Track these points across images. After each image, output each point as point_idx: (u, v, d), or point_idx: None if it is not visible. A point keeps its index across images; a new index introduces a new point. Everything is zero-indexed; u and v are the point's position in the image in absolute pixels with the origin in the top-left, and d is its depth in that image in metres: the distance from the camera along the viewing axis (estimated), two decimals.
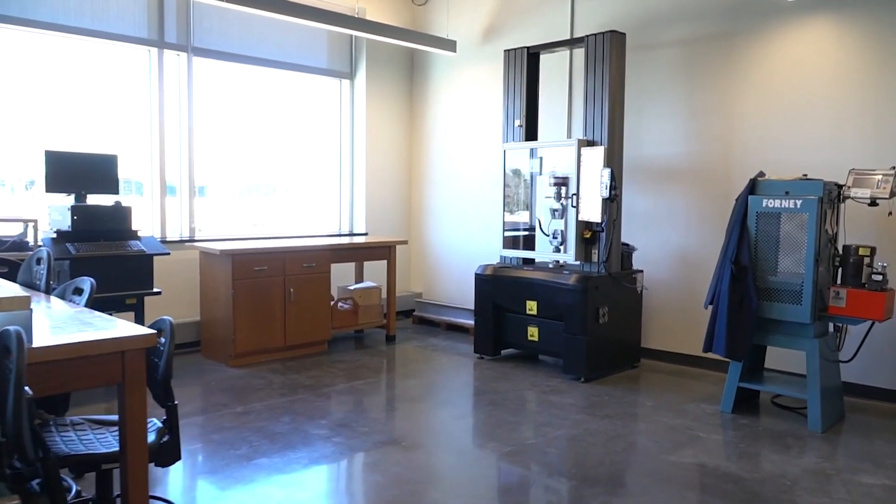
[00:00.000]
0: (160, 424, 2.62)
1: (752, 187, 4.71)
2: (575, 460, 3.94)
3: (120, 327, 2.38)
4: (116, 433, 2.50)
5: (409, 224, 8.23)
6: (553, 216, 5.84)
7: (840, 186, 4.59)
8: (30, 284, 3.37)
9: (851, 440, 4.32)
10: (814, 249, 4.41)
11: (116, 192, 5.26)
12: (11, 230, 5.15)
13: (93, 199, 5.16)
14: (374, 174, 7.79)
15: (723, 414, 4.78)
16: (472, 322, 6.46)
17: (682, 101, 6.00)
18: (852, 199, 4.52)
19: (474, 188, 7.52)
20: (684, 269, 6.01)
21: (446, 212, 7.86)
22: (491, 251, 6.50)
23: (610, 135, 5.57)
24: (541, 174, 5.97)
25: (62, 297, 3.05)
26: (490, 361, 6.13)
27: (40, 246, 4.74)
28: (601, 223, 5.53)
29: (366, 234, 7.69)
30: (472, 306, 6.38)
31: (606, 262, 5.58)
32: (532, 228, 6.07)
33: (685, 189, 6.00)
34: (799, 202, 4.47)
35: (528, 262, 6.18)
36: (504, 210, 6.27)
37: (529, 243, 6.11)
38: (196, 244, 6.05)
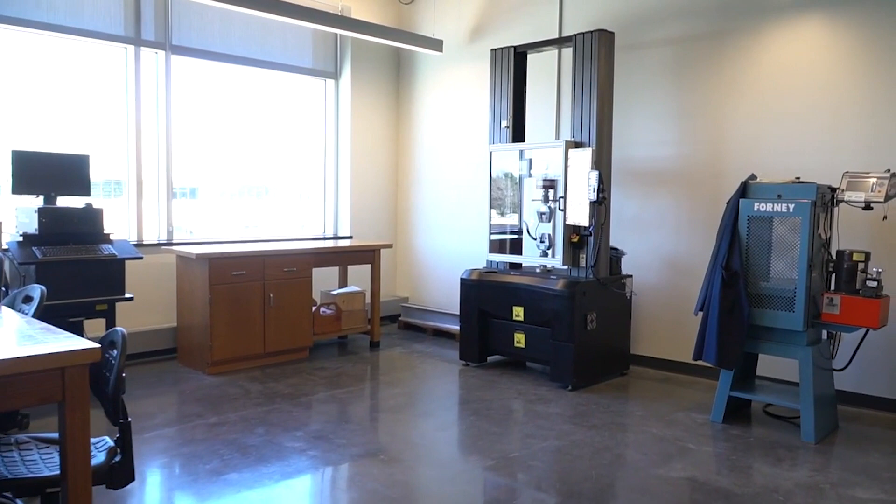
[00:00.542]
0: (112, 443, 2.45)
1: (744, 190, 4.57)
2: (560, 474, 3.79)
3: (63, 341, 2.21)
4: None
5: (395, 227, 8.07)
6: (541, 219, 5.69)
7: (834, 190, 4.45)
8: None
9: (845, 452, 4.18)
10: (807, 254, 4.27)
11: (88, 193, 5.07)
12: None
13: (64, 202, 4.98)
14: (359, 176, 7.63)
15: (713, 424, 4.64)
16: (459, 328, 6.30)
17: (671, 102, 5.86)
18: (846, 202, 4.38)
19: (462, 190, 7.37)
20: (674, 274, 5.87)
21: (433, 214, 7.70)
22: (479, 255, 6.35)
23: (598, 136, 5.42)
24: (529, 176, 5.82)
25: (12, 305, 2.88)
26: (476, 369, 5.97)
27: (5, 250, 4.56)
28: (589, 227, 5.38)
29: (350, 238, 7.53)
30: (459, 311, 6.22)
31: (594, 266, 5.43)
32: (519, 232, 5.92)
33: (675, 192, 5.86)
34: (791, 206, 4.33)
35: (515, 266, 6.03)
36: (491, 213, 6.11)
37: (517, 247, 5.96)
38: (173, 248, 5.87)
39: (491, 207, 6.12)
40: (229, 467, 3.75)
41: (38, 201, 4.88)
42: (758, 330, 4.51)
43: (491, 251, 6.15)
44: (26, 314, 2.74)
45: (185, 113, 6.37)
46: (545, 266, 5.75)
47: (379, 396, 5.29)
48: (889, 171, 4.30)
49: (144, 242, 6.03)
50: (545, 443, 4.23)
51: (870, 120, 4.90)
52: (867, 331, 4.40)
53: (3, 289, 3.07)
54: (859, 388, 4.95)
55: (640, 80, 6.02)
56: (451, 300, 7.15)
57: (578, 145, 5.49)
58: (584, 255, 5.51)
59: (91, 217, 4.91)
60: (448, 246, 7.53)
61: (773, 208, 4.40)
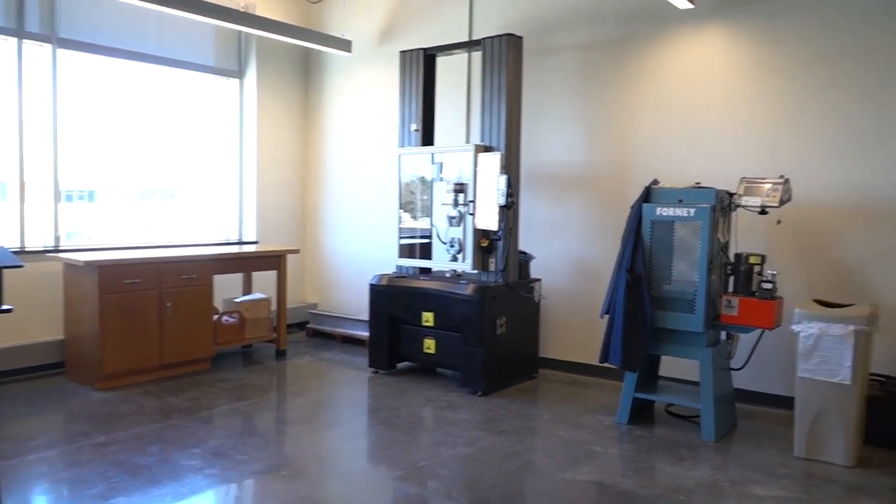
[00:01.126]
0: None
1: (647, 195, 4.65)
2: (468, 483, 3.72)
3: None
4: None
5: (303, 232, 7.86)
6: (451, 224, 5.64)
7: (732, 195, 4.59)
8: None
9: (743, 449, 4.30)
10: (706, 258, 4.38)
11: None
12: None
13: None
14: (266, 179, 7.38)
15: (619, 425, 4.69)
16: (368, 334, 6.16)
17: (579, 108, 5.93)
18: (743, 207, 4.52)
19: (372, 194, 7.23)
20: (582, 277, 5.93)
21: (343, 219, 7.54)
22: (390, 259, 6.24)
23: (507, 141, 5.42)
24: (440, 180, 5.75)
25: None
26: (385, 376, 5.85)
27: None
28: (498, 231, 5.37)
29: (256, 243, 7.27)
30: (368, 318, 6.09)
31: (504, 271, 5.42)
32: (430, 236, 5.85)
33: (583, 197, 5.93)
34: (692, 210, 4.43)
35: (426, 271, 5.96)
36: (401, 217, 6.01)
37: (427, 252, 5.89)
38: (59, 255, 5.49)
39: (401, 212, 6.02)
40: (117, 491, 3.49)
41: None
42: (660, 332, 4.60)
43: (401, 256, 6.05)
44: None
45: (77, 111, 5.97)
46: (455, 271, 5.70)
47: (284, 408, 5.10)
48: (783, 176, 4.47)
49: (28, 249, 5.61)
50: (454, 450, 4.17)
51: (766, 127, 5.09)
52: (763, 331, 4.56)
53: None
54: (756, 387, 5.13)
55: (549, 85, 6.06)
56: (361, 306, 7.00)
57: (488, 149, 5.47)
58: (494, 260, 5.49)
59: None
60: (358, 251, 7.39)
61: (674, 213, 4.50)
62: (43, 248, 5.70)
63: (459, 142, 6.43)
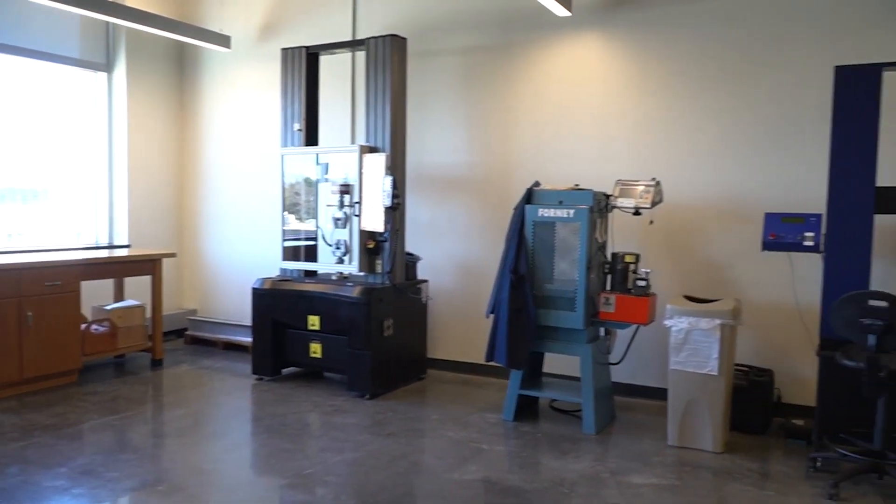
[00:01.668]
0: None
1: (529, 197, 4.76)
2: (356, 488, 3.67)
3: None
4: None
5: (180, 234, 7.51)
6: (336, 225, 5.55)
7: (608, 196, 4.78)
8: None
9: (622, 440, 4.49)
10: (585, 257, 4.54)
11: None
12: None
13: None
14: (138, 179, 6.99)
15: (505, 423, 4.78)
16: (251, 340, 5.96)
17: (463, 111, 6.00)
18: (618, 208, 4.72)
19: (255, 195, 7.01)
20: (468, 278, 6.00)
21: (225, 220, 7.26)
22: (275, 262, 6.06)
23: (392, 141, 5.40)
24: (326, 181, 5.65)
25: None
26: (269, 383, 5.69)
27: None
28: (384, 232, 5.34)
29: (128, 247, 6.87)
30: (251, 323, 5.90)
31: (390, 272, 5.39)
32: (315, 238, 5.73)
33: (468, 198, 6.01)
34: (571, 211, 4.58)
35: (311, 274, 5.83)
36: (285, 219, 5.86)
37: (312, 254, 5.77)
38: None
39: (285, 213, 5.87)
40: None
41: None
42: (544, 330, 4.72)
43: (285, 258, 5.90)
44: None
45: None
46: (341, 273, 5.62)
47: (161, 420, 4.85)
48: (655, 179, 4.70)
49: None
50: (342, 455, 4.10)
51: (639, 131, 5.34)
52: (638, 326, 4.77)
53: None
54: (633, 380, 5.37)
55: (434, 87, 6.10)
56: (243, 311, 6.75)
57: (373, 150, 5.43)
58: (381, 261, 5.46)
59: None
60: (241, 254, 7.14)
61: (555, 214, 4.63)
62: None
63: (345, 142, 6.35)
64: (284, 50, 5.95)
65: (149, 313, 6.25)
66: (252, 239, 7.05)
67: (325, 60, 6.09)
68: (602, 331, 4.91)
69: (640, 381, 5.35)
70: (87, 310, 5.87)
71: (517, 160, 5.78)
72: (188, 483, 3.69)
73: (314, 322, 5.45)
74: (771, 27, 4.90)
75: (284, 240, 5.89)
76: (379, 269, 5.46)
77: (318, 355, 5.51)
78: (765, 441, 4.52)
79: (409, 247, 5.81)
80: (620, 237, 5.04)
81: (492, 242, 5.76)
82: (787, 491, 3.71)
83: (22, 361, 5.12)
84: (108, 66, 6.86)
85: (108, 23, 6.75)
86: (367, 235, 5.44)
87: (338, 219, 5.51)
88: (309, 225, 5.77)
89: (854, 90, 4.02)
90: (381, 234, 5.37)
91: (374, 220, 5.34)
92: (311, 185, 5.74)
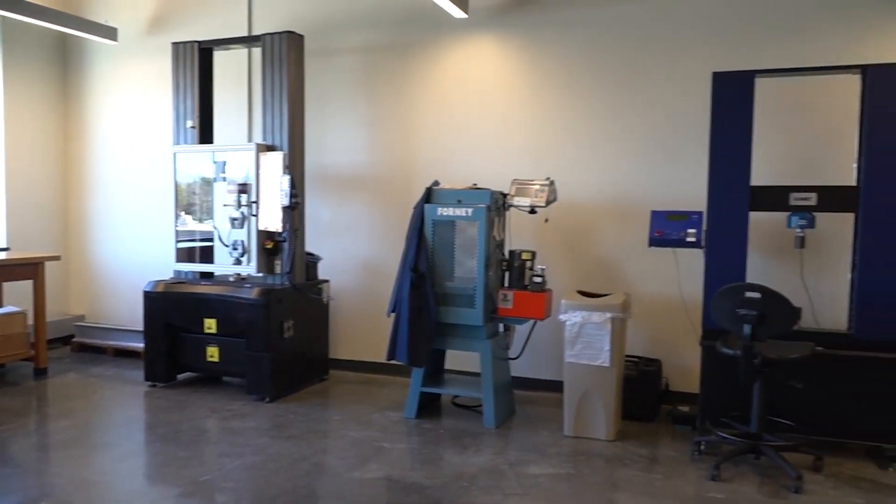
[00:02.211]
0: None
1: (428, 196, 4.81)
2: (255, 492, 3.60)
3: None
4: None
5: (66, 236, 7.12)
6: (233, 225, 5.42)
7: (505, 195, 4.89)
8: None
9: (521, 433, 4.61)
10: (484, 255, 4.63)
11: None
12: None
13: None
14: (16, 178, 6.58)
15: (407, 420, 4.81)
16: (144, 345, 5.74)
17: (362, 110, 5.99)
18: (515, 207, 4.84)
19: (149, 195, 6.74)
20: (369, 277, 6.00)
21: (115, 222, 6.95)
22: (169, 265, 5.85)
23: (290, 140, 5.32)
24: (224, 180, 5.49)
25: None
26: (164, 389, 5.49)
27: None
28: (283, 232, 5.25)
29: (7, 249, 6.46)
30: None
31: (290, 273, 5.32)
32: (212, 239, 5.57)
33: (369, 197, 6.00)
34: (470, 210, 4.66)
35: (207, 275, 5.67)
36: (179, 219, 5.67)
37: (209, 255, 5.61)
38: None
39: (181, 213, 5.68)
40: None
41: None
42: (444, 327, 4.78)
43: (179, 260, 5.71)
44: None
45: None
46: (239, 274, 5.50)
47: (45, 432, 4.60)
48: (549, 178, 4.84)
49: None
50: (241, 460, 4.02)
51: (534, 131, 5.49)
52: (535, 322, 4.91)
53: None
54: (531, 374, 5.51)
55: (333, 86, 6.05)
56: (135, 316, 6.48)
57: (270, 149, 5.33)
58: (280, 262, 5.37)
59: None
60: (133, 256, 6.85)
61: (454, 213, 4.70)
62: None
63: (242, 140, 6.20)
64: (175, 44, 5.76)
65: (31, 320, 5.89)
66: (145, 240, 6.78)
67: (220, 56, 5.93)
68: (501, 327, 5.01)
69: (539, 374, 5.51)
70: None
71: (418, 160, 5.82)
72: (74, 497, 3.52)
73: (211, 325, 5.30)
74: (657, 34, 5.15)
75: (178, 241, 5.70)
76: (278, 269, 5.37)
77: (216, 359, 5.36)
78: (654, 428, 4.75)
79: (310, 247, 5.75)
80: (517, 235, 5.17)
81: (393, 241, 5.78)
82: (673, 474, 3.92)
83: None
84: None
85: None
86: (265, 235, 5.34)
87: (235, 219, 5.39)
88: (206, 225, 5.61)
89: (730, 95, 4.29)
90: (279, 233, 5.29)
91: (272, 219, 5.25)
92: (208, 185, 5.58)
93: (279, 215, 5.22)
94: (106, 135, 6.95)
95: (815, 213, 4.25)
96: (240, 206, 5.35)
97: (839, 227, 4.54)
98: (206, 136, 5.77)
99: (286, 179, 5.14)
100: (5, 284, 6.05)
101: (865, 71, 4.14)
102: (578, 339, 4.45)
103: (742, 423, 4.10)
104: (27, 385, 5.58)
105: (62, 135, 7.05)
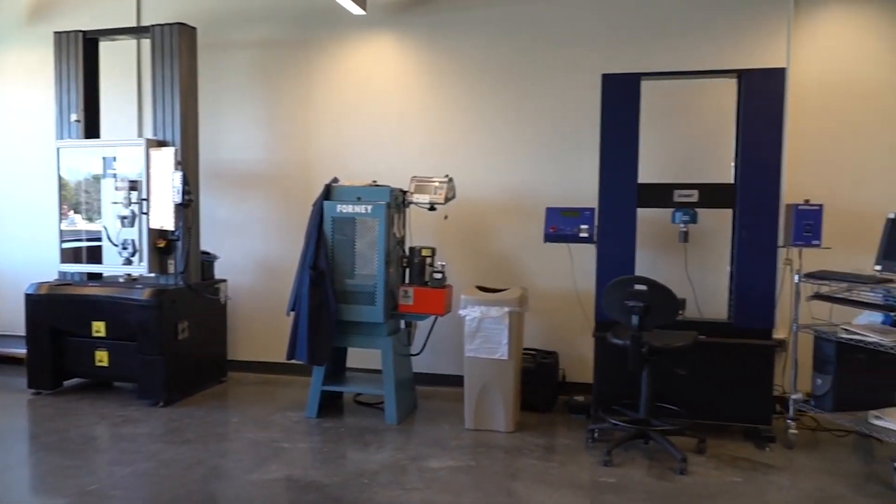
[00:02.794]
0: None
1: (327, 193, 4.77)
2: (147, 500, 3.48)
3: None
4: None
5: None
6: (123, 224, 5.21)
7: (405, 192, 4.91)
8: None
9: (422, 428, 4.65)
10: (384, 252, 4.64)
11: None
12: None
13: None
14: None
15: (308, 420, 4.76)
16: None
17: (260, 106, 5.88)
18: (415, 204, 4.87)
19: (30, 193, 6.34)
20: (269, 276, 5.89)
21: None
22: (54, 266, 5.54)
23: (183, 135, 5.16)
24: (113, 177, 5.26)
25: None
26: (49, 396, 5.21)
27: None
28: (176, 231, 5.09)
29: None
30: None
31: (184, 272, 5.15)
32: (100, 238, 5.32)
33: (266, 195, 5.89)
34: (370, 207, 4.66)
35: (96, 276, 5.42)
36: (63, 218, 5.38)
37: (97, 255, 5.36)
38: None
39: (65, 212, 5.39)
40: None
41: None
42: (345, 325, 4.76)
43: (65, 261, 5.43)
44: None
45: None
46: (129, 275, 5.28)
47: None
48: (448, 175, 4.90)
49: None
50: (131, 467, 3.87)
51: (433, 129, 5.54)
52: (436, 317, 4.96)
53: None
54: (433, 369, 5.56)
55: (229, 80, 5.90)
56: (17, 320, 6.11)
57: (162, 144, 5.15)
58: (173, 261, 5.20)
59: None
60: (13, 257, 6.44)
61: (353, 210, 4.68)
62: None
63: (132, 135, 5.95)
64: (58, 34, 5.46)
65: None
66: (26, 241, 6.39)
67: (107, 47, 5.67)
68: (402, 323, 5.04)
69: (440, 369, 5.56)
70: None
71: (317, 157, 5.76)
72: None
73: (99, 328, 5.07)
74: (550, 34, 5.30)
75: (63, 241, 5.41)
76: (171, 269, 5.19)
77: (105, 364, 5.13)
78: (551, 418, 4.90)
79: (206, 245, 5.60)
80: (418, 232, 5.20)
81: (292, 239, 5.68)
82: (568, 461, 4.06)
83: None
84: None
85: None
86: (157, 234, 5.15)
87: (124, 217, 5.18)
88: (95, 224, 5.35)
89: (619, 96, 4.48)
90: (172, 232, 5.11)
91: (163, 217, 5.07)
92: (96, 182, 5.33)
93: (172, 213, 5.05)
94: None
95: (697, 210, 4.50)
96: (130, 203, 5.15)
97: (719, 223, 4.81)
98: (92, 130, 5.50)
99: (178, 176, 4.98)
100: None
101: (741, 76, 4.42)
102: (477, 334, 4.53)
103: (633, 410, 4.29)
104: None
105: None
